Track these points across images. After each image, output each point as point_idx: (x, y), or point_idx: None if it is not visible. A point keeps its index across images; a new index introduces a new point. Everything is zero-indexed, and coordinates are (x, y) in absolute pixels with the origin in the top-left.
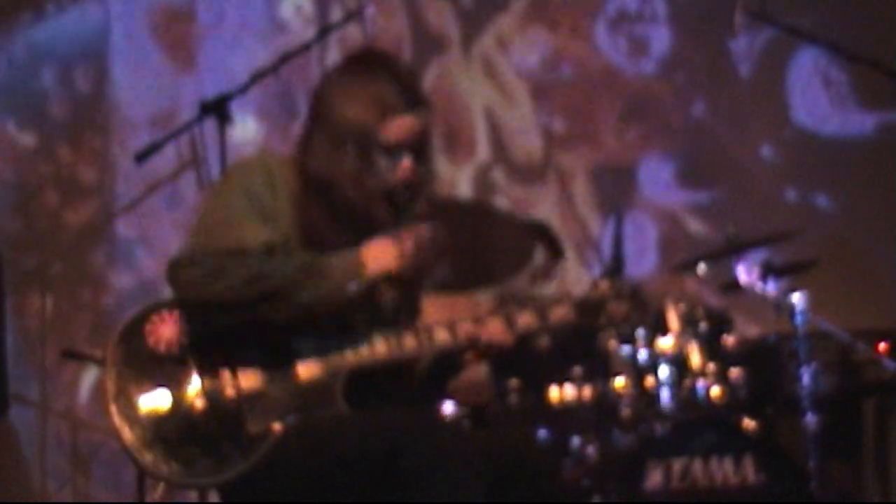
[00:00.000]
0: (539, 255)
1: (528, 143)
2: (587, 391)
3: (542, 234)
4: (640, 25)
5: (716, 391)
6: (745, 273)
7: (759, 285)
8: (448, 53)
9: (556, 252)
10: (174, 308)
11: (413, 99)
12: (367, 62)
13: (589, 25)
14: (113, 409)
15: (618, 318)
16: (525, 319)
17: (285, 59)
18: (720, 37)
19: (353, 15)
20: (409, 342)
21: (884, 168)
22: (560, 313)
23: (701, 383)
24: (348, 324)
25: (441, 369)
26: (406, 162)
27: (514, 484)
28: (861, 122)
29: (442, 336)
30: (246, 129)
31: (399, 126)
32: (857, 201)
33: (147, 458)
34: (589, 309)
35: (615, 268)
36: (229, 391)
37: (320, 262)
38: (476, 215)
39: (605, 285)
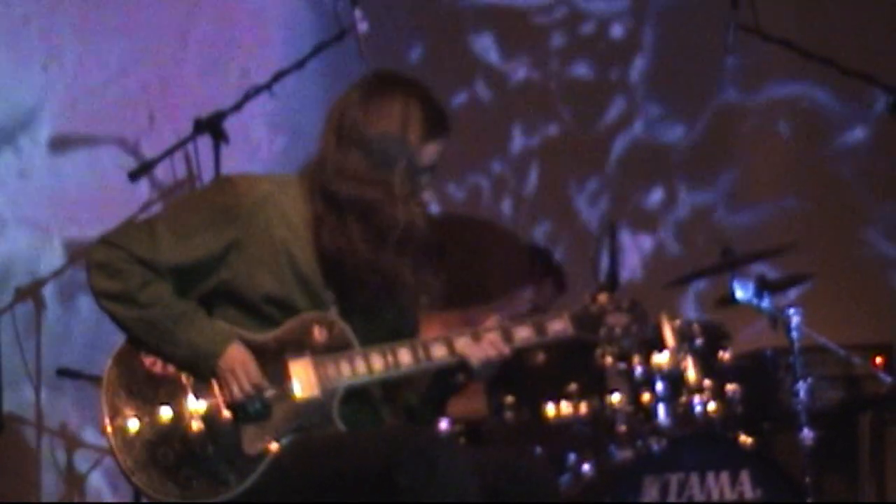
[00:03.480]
0: (544, 287)
1: None
2: (583, 407)
3: (550, 266)
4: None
5: (712, 407)
6: (740, 288)
7: (754, 300)
8: None
9: (560, 285)
10: None
11: (447, 123)
12: (399, 84)
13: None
14: (109, 430)
15: (618, 330)
16: (522, 334)
17: (278, 76)
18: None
19: (346, 32)
20: (406, 358)
21: (879, 179)
22: (558, 327)
23: (697, 399)
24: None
25: (440, 389)
26: (429, 187)
27: (510, 500)
28: (853, 135)
29: (439, 352)
30: None
31: (433, 150)
32: (851, 213)
33: (143, 479)
34: (588, 322)
35: (610, 283)
36: (225, 412)
37: (188, 324)
38: (473, 230)
39: (603, 298)
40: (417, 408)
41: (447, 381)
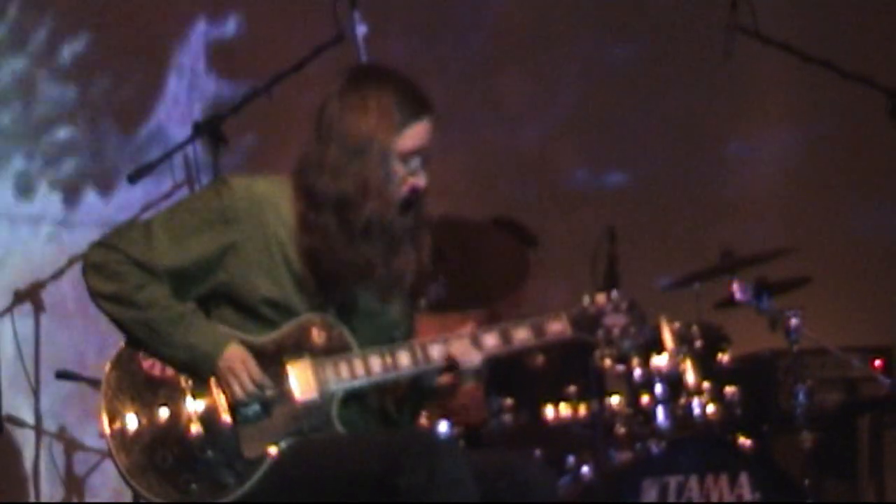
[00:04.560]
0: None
1: None
2: (582, 409)
3: (509, 225)
4: None
5: (711, 409)
6: (739, 290)
7: (753, 302)
8: None
9: (527, 240)
10: None
11: (425, 105)
12: (373, 76)
13: None
14: (108, 433)
15: (615, 331)
16: (521, 335)
17: (277, 79)
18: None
19: (345, 35)
20: (404, 359)
21: (878, 182)
22: (556, 328)
23: (696, 401)
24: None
25: (417, 395)
26: (421, 169)
27: (509, 503)
28: (850, 139)
29: (437, 354)
30: None
31: (416, 133)
32: (850, 216)
33: (142, 482)
34: (586, 323)
35: (609, 286)
36: (224, 415)
37: (186, 325)
38: (470, 233)
39: (601, 299)
40: (393, 414)
41: (424, 386)
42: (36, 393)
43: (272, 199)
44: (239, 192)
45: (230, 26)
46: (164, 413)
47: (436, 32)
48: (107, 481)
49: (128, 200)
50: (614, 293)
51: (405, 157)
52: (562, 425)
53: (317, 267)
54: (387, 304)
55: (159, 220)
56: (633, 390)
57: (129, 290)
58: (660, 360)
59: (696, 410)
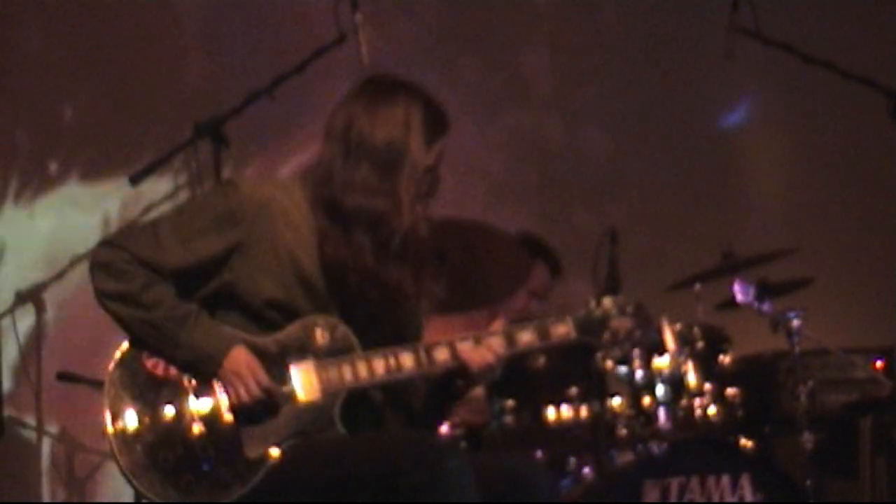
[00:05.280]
0: (537, 273)
1: None
2: (584, 411)
3: (540, 249)
4: None
5: (713, 410)
6: (741, 291)
7: (755, 303)
8: None
9: (555, 269)
10: None
11: (447, 121)
12: (400, 91)
13: None
14: (110, 433)
15: (621, 335)
16: (526, 338)
17: (279, 80)
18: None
19: (346, 36)
20: (408, 362)
21: (879, 181)
22: (562, 331)
23: (698, 402)
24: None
25: (442, 394)
26: (436, 181)
27: None
28: (853, 139)
29: (441, 356)
30: None
31: (441, 148)
32: (852, 217)
33: (144, 482)
34: (591, 326)
35: (611, 287)
36: (226, 415)
37: (191, 326)
38: (471, 233)
39: (607, 302)
40: (419, 412)
41: (449, 386)
42: (38, 394)
43: (280, 202)
44: (246, 194)
45: (231, 27)
46: (166, 413)
47: (459, 13)
48: (108, 481)
49: (129, 201)
50: (620, 296)
51: (428, 171)
52: (563, 427)
53: (341, 280)
54: (392, 308)
55: (166, 221)
56: (634, 392)
57: (135, 290)
58: (661, 362)
59: (698, 412)
